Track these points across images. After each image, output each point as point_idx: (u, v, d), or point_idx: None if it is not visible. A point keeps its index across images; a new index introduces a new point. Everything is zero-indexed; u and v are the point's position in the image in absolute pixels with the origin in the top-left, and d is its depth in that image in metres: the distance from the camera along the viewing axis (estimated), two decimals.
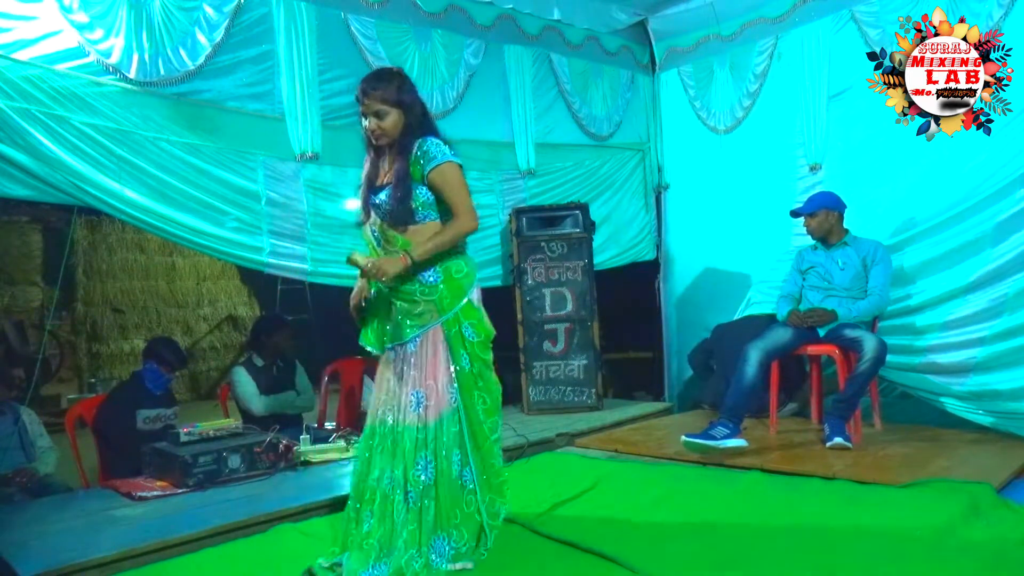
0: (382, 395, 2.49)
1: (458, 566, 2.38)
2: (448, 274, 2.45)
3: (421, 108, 2.49)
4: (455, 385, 2.45)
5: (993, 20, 3.83)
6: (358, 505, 2.45)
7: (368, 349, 2.56)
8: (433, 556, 2.34)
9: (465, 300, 2.47)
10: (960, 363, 3.83)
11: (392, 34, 4.19)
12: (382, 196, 2.44)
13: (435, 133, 2.49)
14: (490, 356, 2.53)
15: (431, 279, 2.44)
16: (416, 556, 2.32)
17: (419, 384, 2.42)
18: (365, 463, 2.47)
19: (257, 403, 4.10)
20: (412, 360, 2.43)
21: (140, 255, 8.34)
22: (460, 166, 2.45)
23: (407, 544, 2.33)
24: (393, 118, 2.42)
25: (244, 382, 4.14)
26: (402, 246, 2.42)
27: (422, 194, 2.43)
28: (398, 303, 2.46)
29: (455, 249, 2.48)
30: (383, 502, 2.38)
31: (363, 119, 2.45)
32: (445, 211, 2.46)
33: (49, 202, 3.44)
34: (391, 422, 2.44)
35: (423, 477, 2.38)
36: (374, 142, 2.47)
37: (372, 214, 2.49)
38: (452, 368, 2.45)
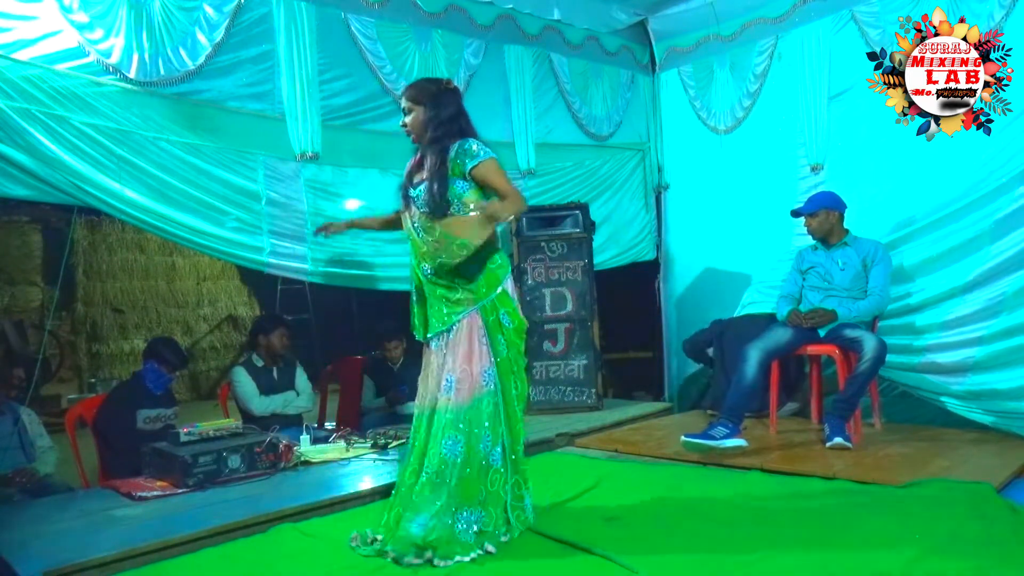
0: (428, 383, 2.66)
1: (480, 552, 2.47)
2: (484, 265, 2.61)
3: (452, 111, 2.67)
4: (493, 370, 2.59)
5: (994, 20, 3.83)
6: (400, 489, 2.62)
7: (415, 336, 2.74)
8: (459, 526, 2.46)
9: (500, 289, 2.63)
10: (959, 362, 3.82)
11: (392, 34, 4.19)
12: (422, 188, 2.63)
13: (474, 136, 2.68)
14: (524, 345, 2.70)
15: (471, 270, 2.61)
16: (441, 525, 2.44)
17: (453, 368, 2.57)
18: (410, 450, 2.64)
19: (257, 403, 4.10)
20: (451, 346, 2.60)
21: (140, 255, 8.33)
22: (497, 160, 2.66)
23: (436, 516, 2.45)
24: (416, 115, 2.66)
25: (244, 382, 4.14)
26: (440, 235, 2.58)
27: (459, 188, 2.60)
28: (438, 291, 2.62)
29: (493, 244, 2.65)
30: (425, 482, 2.53)
31: None
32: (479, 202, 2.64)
33: (49, 202, 3.44)
34: (430, 408, 2.61)
35: (451, 455, 2.51)
36: (410, 137, 2.71)
37: (411, 207, 2.68)
38: (491, 354, 2.59)
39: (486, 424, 2.55)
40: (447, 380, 2.57)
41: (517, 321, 2.66)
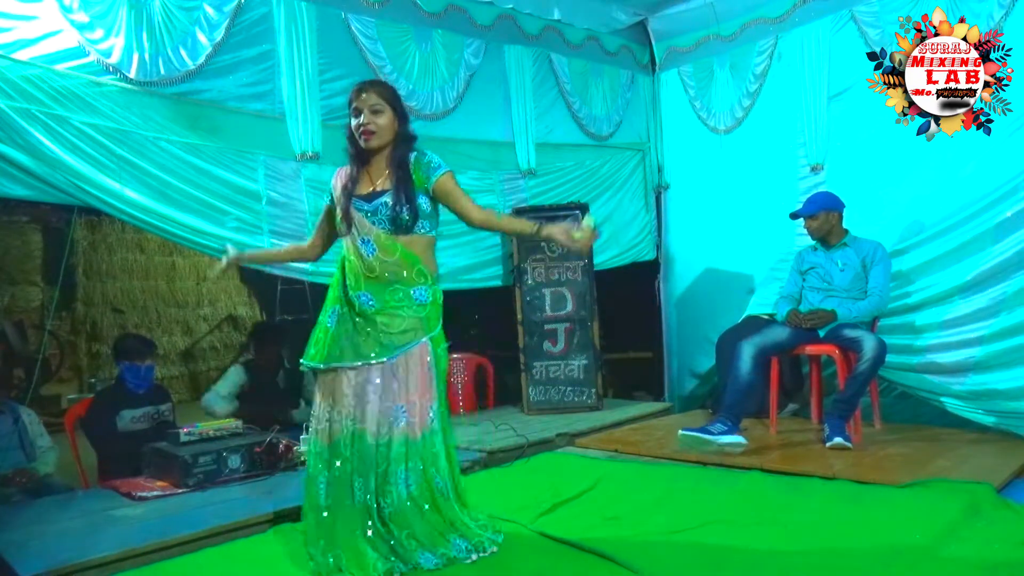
0: (345, 409, 2.40)
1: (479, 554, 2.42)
2: (435, 297, 2.50)
3: (410, 130, 2.54)
4: (437, 407, 2.47)
5: (994, 20, 3.83)
6: (344, 525, 2.37)
7: (310, 365, 2.46)
8: (424, 562, 2.34)
9: (440, 324, 2.52)
10: (959, 362, 3.82)
11: (392, 34, 4.19)
12: (382, 201, 2.44)
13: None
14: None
15: (423, 297, 2.47)
16: (403, 565, 2.33)
17: (401, 399, 2.40)
18: (343, 483, 2.39)
19: (221, 404, 4.05)
20: (392, 371, 2.41)
21: (140, 255, 8.32)
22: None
23: (396, 556, 2.33)
24: (388, 117, 2.45)
25: (226, 380, 4.14)
26: (402, 255, 2.44)
27: (423, 203, 2.47)
28: (379, 320, 2.41)
29: (436, 276, 2.54)
30: (369, 518, 2.36)
31: (355, 117, 2.46)
32: (437, 220, 2.55)
33: (49, 202, 3.44)
34: (371, 433, 2.38)
35: (407, 491, 2.38)
36: (363, 142, 2.46)
37: (363, 222, 2.45)
38: (436, 390, 2.47)
39: (436, 460, 2.43)
40: (396, 409, 2.38)
41: (446, 361, 2.55)
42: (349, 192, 2.49)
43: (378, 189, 2.47)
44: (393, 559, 2.33)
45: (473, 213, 2.51)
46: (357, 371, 2.41)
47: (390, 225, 2.43)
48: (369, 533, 2.36)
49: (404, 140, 2.50)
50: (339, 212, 2.50)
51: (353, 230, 2.47)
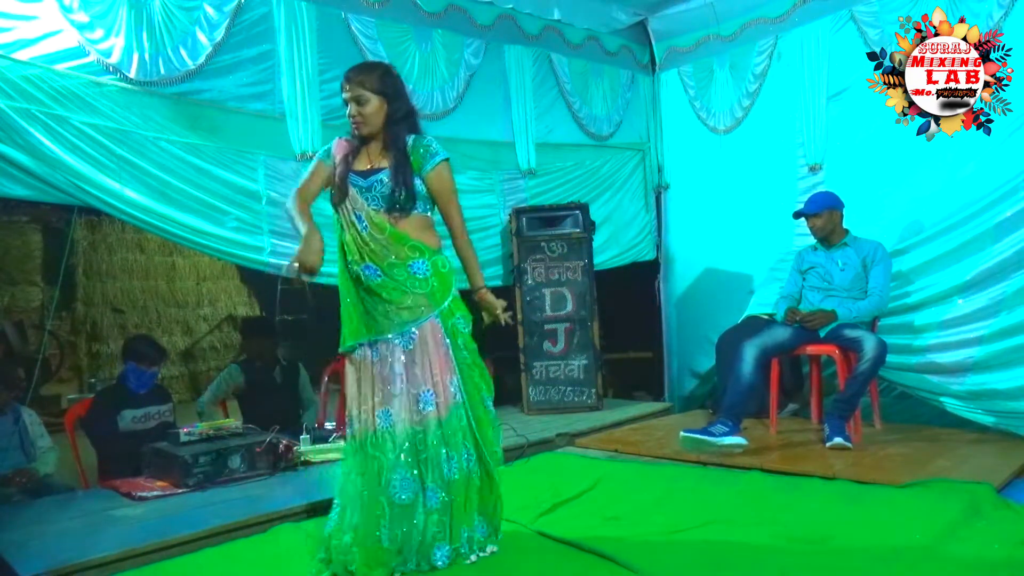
0: (375, 397, 2.43)
1: (487, 551, 2.46)
2: (436, 268, 2.48)
3: (407, 105, 2.52)
4: (459, 380, 2.47)
5: (993, 20, 3.83)
6: (376, 514, 2.38)
7: (344, 349, 2.52)
8: (462, 548, 2.40)
9: (453, 291, 2.51)
10: (958, 362, 3.82)
11: (392, 34, 4.19)
12: (378, 179, 2.44)
13: (420, 132, 2.53)
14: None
15: (422, 272, 2.46)
16: (443, 549, 2.37)
17: (427, 381, 2.42)
18: (376, 472, 2.39)
19: (207, 410, 4.07)
20: (412, 357, 2.43)
21: (140, 255, 8.32)
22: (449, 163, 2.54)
23: (434, 541, 2.36)
24: (374, 105, 2.45)
25: (219, 381, 4.15)
26: (391, 235, 2.44)
27: (419, 185, 2.47)
28: (384, 294, 2.44)
29: (436, 247, 2.52)
30: (404, 507, 2.37)
31: (347, 107, 2.49)
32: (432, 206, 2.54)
33: (49, 202, 3.44)
34: (401, 424, 2.40)
35: (447, 473, 2.40)
36: (355, 130, 2.49)
37: (357, 199, 2.47)
38: (454, 362, 2.47)
39: (462, 437, 2.44)
40: (425, 395, 2.41)
41: (471, 323, 2.53)
42: (348, 164, 2.50)
43: (374, 167, 2.48)
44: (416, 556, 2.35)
45: (456, 224, 2.53)
46: (380, 361, 2.43)
47: (384, 204, 2.44)
48: (404, 528, 2.36)
49: (396, 121, 2.48)
50: (336, 179, 2.50)
51: (347, 203, 2.48)
